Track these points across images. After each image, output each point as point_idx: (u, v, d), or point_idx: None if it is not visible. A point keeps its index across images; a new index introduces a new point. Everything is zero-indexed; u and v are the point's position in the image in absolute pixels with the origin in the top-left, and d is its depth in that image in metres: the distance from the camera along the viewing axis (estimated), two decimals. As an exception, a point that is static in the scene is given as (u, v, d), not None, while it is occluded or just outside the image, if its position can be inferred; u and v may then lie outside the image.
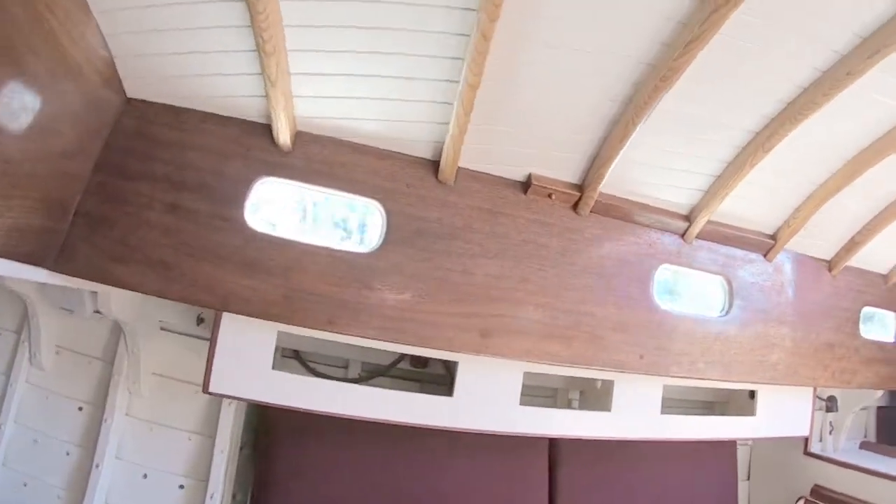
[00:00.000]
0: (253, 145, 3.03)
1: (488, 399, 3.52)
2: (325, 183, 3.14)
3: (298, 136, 3.09)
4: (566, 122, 3.15)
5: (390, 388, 3.75)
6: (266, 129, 3.02)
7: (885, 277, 5.12)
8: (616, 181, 3.43)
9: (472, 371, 3.48)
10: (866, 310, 4.97)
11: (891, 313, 5.29)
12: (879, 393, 5.45)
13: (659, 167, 3.51)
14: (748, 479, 5.34)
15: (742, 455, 5.27)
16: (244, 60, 2.71)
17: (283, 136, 2.98)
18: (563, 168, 3.42)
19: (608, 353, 3.54)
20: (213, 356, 3.13)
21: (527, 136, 3.22)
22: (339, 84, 2.90)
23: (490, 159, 3.33)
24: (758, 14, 2.56)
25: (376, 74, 2.85)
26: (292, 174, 3.09)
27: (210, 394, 3.17)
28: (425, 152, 3.26)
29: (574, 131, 3.21)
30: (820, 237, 4.39)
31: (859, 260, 4.74)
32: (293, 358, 4.08)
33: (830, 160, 3.72)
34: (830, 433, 5.42)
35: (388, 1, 2.51)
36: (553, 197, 3.45)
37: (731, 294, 3.99)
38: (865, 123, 3.42)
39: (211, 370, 3.13)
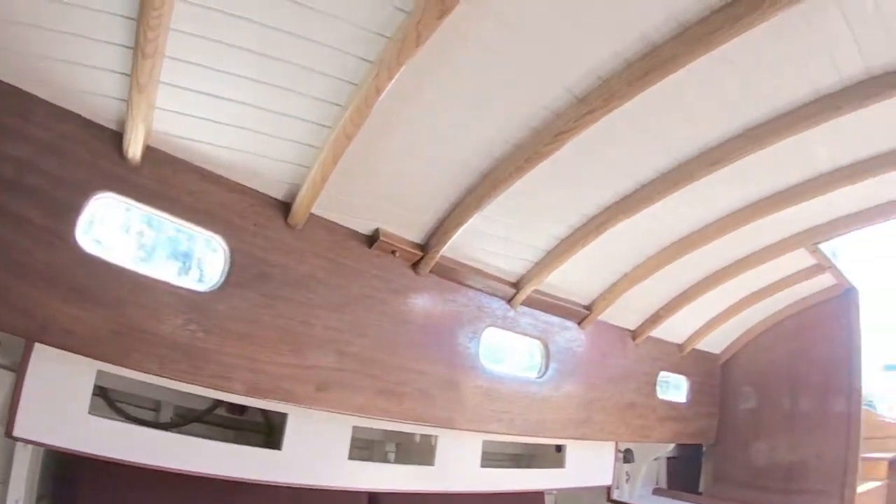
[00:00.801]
0: (100, 153, 2.71)
1: (318, 453, 3.58)
2: (169, 208, 2.93)
3: (149, 153, 2.82)
4: (424, 185, 3.38)
5: (205, 434, 3.58)
6: (116, 138, 2.73)
7: (680, 347, 6.12)
8: (455, 245, 3.72)
9: (302, 424, 3.46)
10: (663, 374, 5.88)
11: (683, 378, 6.30)
12: (671, 446, 6.39)
13: (498, 237, 3.89)
14: (556, 526, 5.93)
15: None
16: (112, 54, 2.43)
17: (135, 149, 2.72)
18: (410, 227, 3.64)
19: (437, 410, 3.82)
20: (19, 394, 2.69)
21: (383, 191, 3.38)
22: (207, 104, 2.73)
23: (341, 209, 3.40)
24: (619, 115, 2.91)
25: (248, 103, 2.75)
26: (136, 193, 2.83)
27: (14, 438, 2.73)
28: (279, 192, 3.22)
29: (430, 194, 3.45)
30: (628, 310, 5.13)
31: (659, 331, 5.61)
32: (99, 396, 3.50)
33: (650, 247, 4.42)
34: (627, 481, 6.22)
35: (285, 31, 2.44)
36: (397, 254, 3.65)
37: (547, 357, 4.52)
38: (686, 220, 4.14)
39: (17, 410, 2.68)
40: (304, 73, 2.61)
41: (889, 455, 9.43)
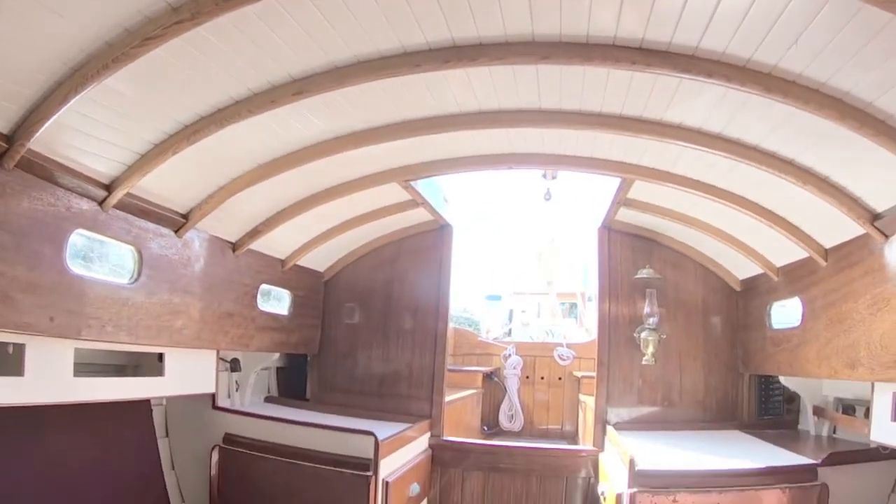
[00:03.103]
0: None
1: None
2: None
3: None
4: (10, 70, 3.39)
5: None
6: None
7: (282, 262, 7.27)
8: (46, 140, 3.83)
9: None
10: (264, 287, 6.95)
11: (286, 291, 7.53)
12: (276, 356, 7.60)
13: (89, 135, 4.09)
14: (167, 435, 6.59)
15: (158, 414, 6.49)
16: None
17: None
18: None
19: (18, 315, 3.95)
20: None
21: None
22: None
23: None
24: (213, 29, 3.36)
25: None
26: None
27: None
28: None
29: (16, 81, 3.47)
30: (228, 222, 5.94)
31: (261, 245, 6.61)
32: None
33: (245, 162, 5.17)
34: (237, 390, 7.25)
35: None
36: None
37: (140, 263, 4.99)
38: (280, 140, 4.94)
39: None
40: None
41: (486, 369, 12.57)
